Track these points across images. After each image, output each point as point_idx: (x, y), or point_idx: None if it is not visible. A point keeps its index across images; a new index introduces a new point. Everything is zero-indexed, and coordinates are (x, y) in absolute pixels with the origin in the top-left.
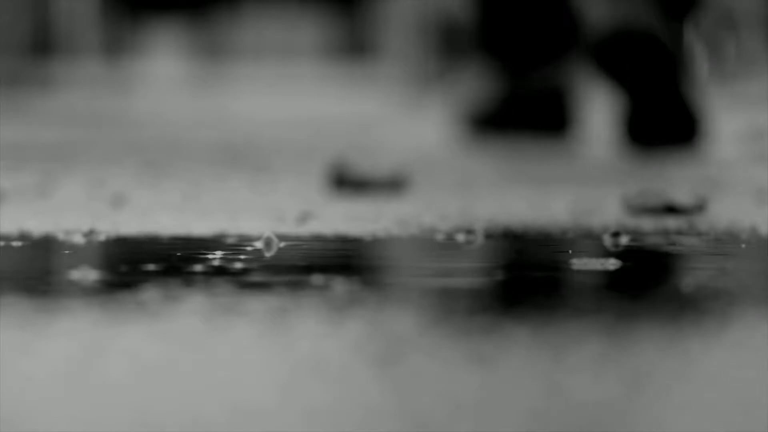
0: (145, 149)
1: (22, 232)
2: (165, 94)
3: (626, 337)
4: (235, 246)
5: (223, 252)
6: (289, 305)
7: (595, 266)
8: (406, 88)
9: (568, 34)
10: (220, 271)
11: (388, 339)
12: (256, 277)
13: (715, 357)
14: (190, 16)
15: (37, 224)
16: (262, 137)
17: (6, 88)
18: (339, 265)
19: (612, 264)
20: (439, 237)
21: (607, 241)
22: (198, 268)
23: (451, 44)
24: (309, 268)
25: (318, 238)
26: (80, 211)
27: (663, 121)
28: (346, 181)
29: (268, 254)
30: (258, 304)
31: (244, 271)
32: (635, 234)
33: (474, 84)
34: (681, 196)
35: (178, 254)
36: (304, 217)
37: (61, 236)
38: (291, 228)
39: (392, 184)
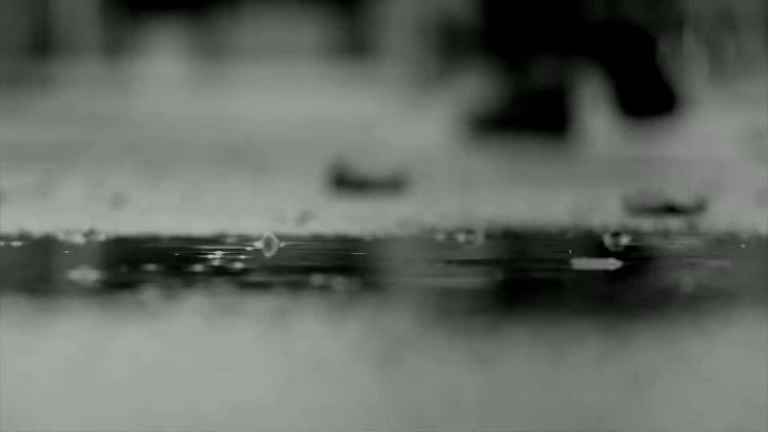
0: (145, 149)
1: (22, 232)
2: (165, 94)
3: (626, 337)
4: (235, 246)
5: (223, 252)
6: (289, 305)
7: (595, 266)
8: (406, 88)
9: (569, 33)
10: (220, 271)
11: (388, 339)
12: (256, 277)
13: (715, 357)
14: (190, 16)
15: (37, 224)
16: (262, 137)
17: (6, 88)
18: (339, 265)
19: (612, 264)
20: (439, 237)
21: (607, 241)
22: (198, 268)
23: (451, 44)
24: (309, 268)
25: (318, 238)
26: (80, 211)
27: (646, 97)
28: (346, 181)
29: (268, 254)
30: (258, 304)
31: (244, 271)
32: (635, 234)
33: (475, 84)
34: (681, 196)
35: (178, 254)
36: (304, 217)
37: (61, 236)
38: (291, 228)
39: (392, 184)
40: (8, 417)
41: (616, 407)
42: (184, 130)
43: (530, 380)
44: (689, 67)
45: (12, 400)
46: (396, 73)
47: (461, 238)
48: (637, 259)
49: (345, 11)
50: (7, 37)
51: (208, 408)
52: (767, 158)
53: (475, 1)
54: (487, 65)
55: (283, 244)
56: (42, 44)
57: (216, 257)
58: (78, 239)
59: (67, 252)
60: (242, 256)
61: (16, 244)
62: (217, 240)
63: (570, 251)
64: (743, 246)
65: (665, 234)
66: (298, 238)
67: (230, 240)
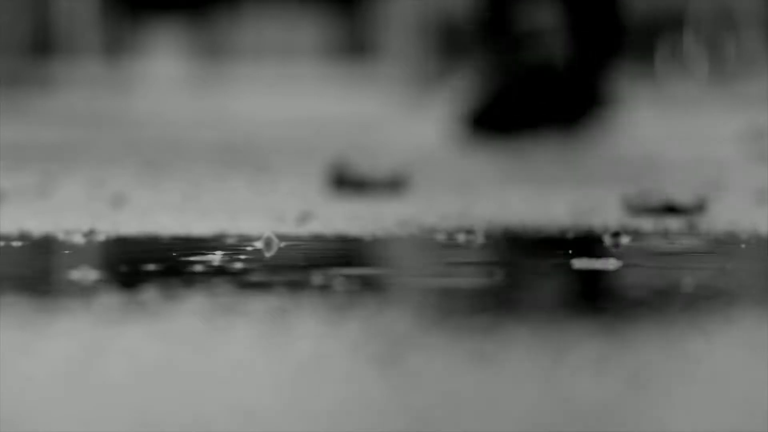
0: (145, 149)
1: (22, 232)
2: (165, 94)
3: (626, 337)
4: (235, 246)
5: (223, 252)
6: (289, 305)
7: (595, 266)
8: (406, 88)
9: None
10: (220, 271)
11: (388, 339)
12: (256, 277)
13: (715, 357)
14: (190, 16)
15: (37, 224)
16: (262, 137)
17: (6, 88)
18: (339, 265)
19: (612, 264)
20: (439, 237)
21: (607, 241)
22: (198, 268)
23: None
24: (309, 268)
25: (318, 238)
26: (80, 211)
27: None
28: (346, 181)
29: (268, 254)
30: (258, 304)
31: (244, 271)
32: (635, 234)
33: (472, 82)
34: (681, 196)
35: (178, 254)
36: (304, 217)
37: (61, 236)
38: (291, 228)
39: (392, 184)
40: (8, 417)
41: (616, 407)
42: (184, 130)
43: (530, 380)
44: (689, 67)
45: (12, 400)
46: (396, 73)
47: (461, 238)
48: (637, 259)
49: (345, 11)
50: (7, 37)
51: (208, 408)
52: (767, 158)
53: None
54: (484, 59)
55: (283, 244)
56: (42, 44)
57: (216, 257)
58: (78, 239)
59: (67, 252)
60: (242, 256)
61: (16, 244)
62: (217, 240)
63: (570, 251)
64: (743, 246)
65: (665, 234)
66: (298, 238)
67: (230, 240)
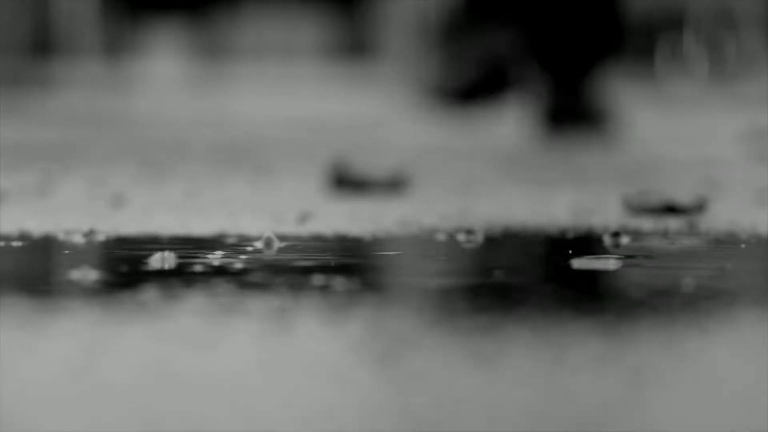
0: (145, 149)
1: (22, 232)
2: (165, 94)
3: (626, 337)
4: (235, 246)
5: (223, 252)
6: (289, 305)
7: (595, 266)
8: (406, 88)
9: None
10: (220, 271)
11: (388, 339)
12: (256, 277)
13: (715, 357)
14: (190, 16)
15: (37, 224)
16: (262, 137)
17: (6, 88)
18: (339, 265)
19: (612, 264)
20: (439, 237)
21: (607, 241)
22: (198, 268)
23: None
24: (309, 268)
25: (318, 238)
26: (80, 211)
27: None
28: (346, 181)
29: (268, 254)
30: (258, 304)
31: (244, 271)
32: (635, 234)
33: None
34: (681, 196)
35: (178, 254)
36: (304, 217)
37: (61, 236)
38: (291, 228)
39: (392, 184)
40: (8, 417)
41: (616, 407)
42: (184, 130)
43: (530, 380)
44: (689, 67)
45: (12, 400)
46: (396, 73)
47: (461, 238)
48: (637, 259)
49: (345, 11)
50: (7, 37)
51: (208, 408)
52: (767, 158)
53: None
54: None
55: (283, 244)
56: (42, 44)
57: (216, 257)
58: (78, 239)
59: (67, 252)
60: (242, 256)
61: (16, 244)
62: (217, 240)
63: (570, 251)
64: (743, 246)
65: (665, 234)
66: (298, 238)
67: (230, 240)
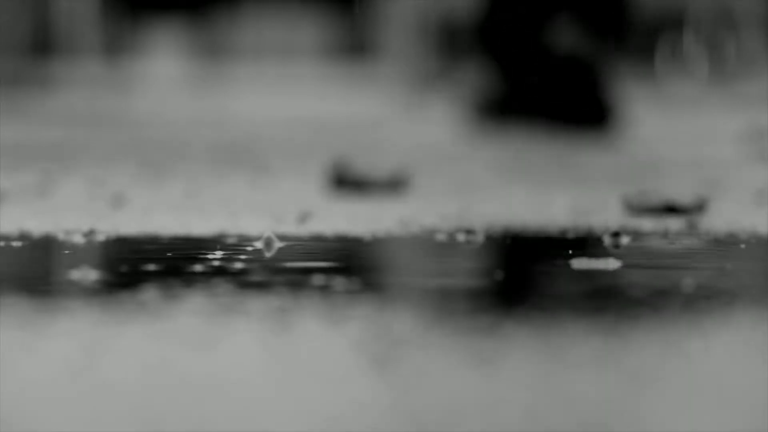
0: (145, 149)
1: (22, 232)
2: (165, 94)
3: (626, 337)
4: (235, 246)
5: (223, 252)
6: (289, 305)
7: (595, 266)
8: (406, 87)
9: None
10: (220, 271)
11: (388, 339)
12: (256, 277)
13: (715, 357)
14: (190, 16)
15: (37, 224)
16: (262, 137)
17: (6, 88)
18: (339, 265)
19: (612, 264)
20: (440, 237)
21: (607, 241)
22: (198, 268)
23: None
24: (309, 268)
25: (318, 238)
26: (80, 211)
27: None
28: (346, 181)
29: (268, 254)
30: (258, 304)
31: (244, 271)
32: (635, 234)
33: (475, 76)
34: (681, 196)
35: (178, 254)
36: (304, 217)
37: (61, 236)
38: (291, 228)
39: (392, 184)
40: (8, 417)
41: (616, 407)
42: (184, 130)
43: (530, 380)
44: (689, 67)
45: (12, 400)
46: (396, 73)
47: (461, 238)
48: (637, 259)
49: (345, 11)
50: (7, 37)
51: (208, 408)
52: (767, 158)
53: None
54: (485, 60)
55: (283, 244)
56: (42, 44)
57: (216, 257)
58: (78, 239)
59: (67, 252)
60: (242, 256)
61: (16, 244)
62: (217, 240)
63: (570, 251)
64: (743, 246)
65: (665, 234)
66: (298, 238)
67: (230, 240)
